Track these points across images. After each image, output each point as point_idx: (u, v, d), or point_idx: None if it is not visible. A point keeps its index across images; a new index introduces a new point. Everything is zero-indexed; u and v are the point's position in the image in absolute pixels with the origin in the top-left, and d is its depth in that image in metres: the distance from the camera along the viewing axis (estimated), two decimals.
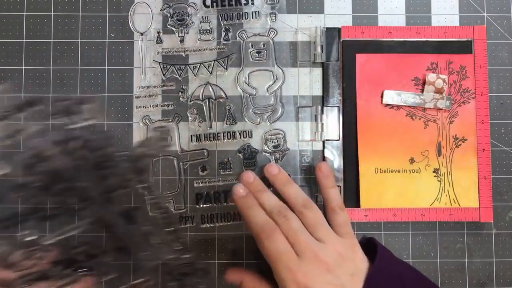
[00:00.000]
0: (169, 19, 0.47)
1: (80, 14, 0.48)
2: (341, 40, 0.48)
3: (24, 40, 0.48)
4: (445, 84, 0.47)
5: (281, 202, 0.42)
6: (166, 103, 0.47)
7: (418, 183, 0.47)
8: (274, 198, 0.42)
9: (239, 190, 0.42)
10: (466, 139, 0.47)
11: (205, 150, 0.47)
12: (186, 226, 0.46)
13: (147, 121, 0.46)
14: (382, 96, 0.47)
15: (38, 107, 0.37)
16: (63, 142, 0.34)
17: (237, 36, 0.47)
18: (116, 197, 0.36)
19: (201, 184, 0.45)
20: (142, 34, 0.47)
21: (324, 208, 0.44)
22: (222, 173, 0.46)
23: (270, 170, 0.44)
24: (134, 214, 0.38)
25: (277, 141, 0.47)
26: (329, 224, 0.42)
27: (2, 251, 0.34)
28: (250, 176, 0.44)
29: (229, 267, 0.44)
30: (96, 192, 0.35)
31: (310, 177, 0.47)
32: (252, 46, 0.47)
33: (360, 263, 0.40)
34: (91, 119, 0.36)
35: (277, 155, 0.47)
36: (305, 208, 0.41)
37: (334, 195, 0.43)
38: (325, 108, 0.47)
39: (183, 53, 0.47)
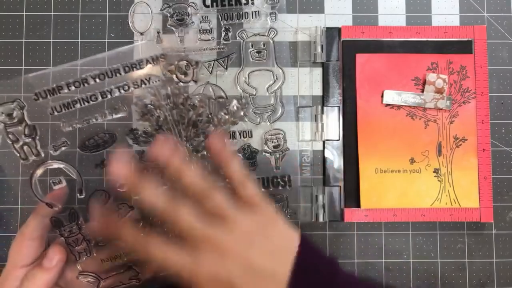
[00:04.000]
0: (169, 19, 0.47)
1: (80, 14, 0.48)
2: (341, 40, 0.48)
3: (24, 40, 0.48)
4: (445, 84, 0.47)
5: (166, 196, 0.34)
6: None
7: (419, 183, 0.47)
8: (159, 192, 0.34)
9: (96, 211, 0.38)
10: (467, 139, 0.47)
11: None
12: None
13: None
14: (382, 96, 0.47)
15: (163, 62, 0.41)
16: (171, 96, 0.40)
17: (237, 36, 0.47)
18: (199, 157, 0.42)
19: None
20: (142, 34, 0.47)
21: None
22: (222, 173, 0.46)
23: (158, 151, 0.34)
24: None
25: (277, 141, 0.47)
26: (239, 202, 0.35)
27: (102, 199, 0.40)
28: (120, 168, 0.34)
29: None
30: (184, 148, 0.41)
31: (311, 178, 0.47)
32: (252, 46, 0.47)
33: (282, 239, 0.33)
34: (194, 81, 0.42)
35: (277, 155, 0.47)
36: (204, 195, 0.34)
37: (236, 166, 0.36)
38: (325, 108, 0.47)
39: (183, 53, 0.47)
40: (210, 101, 0.42)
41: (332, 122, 0.47)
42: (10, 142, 0.39)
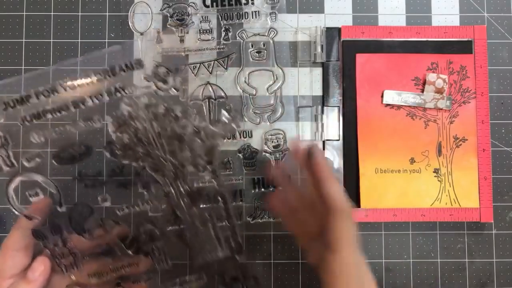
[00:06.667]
0: (169, 18, 0.47)
1: (80, 14, 0.48)
2: (341, 40, 0.48)
3: (24, 40, 0.48)
4: (445, 84, 0.47)
5: None
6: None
7: (419, 183, 0.47)
8: None
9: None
10: (467, 139, 0.47)
11: None
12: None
13: None
14: (382, 96, 0.47)
15: (138, 70, 0.39)
16: (150, 106, 0.37)
17: (237, 36, 0.47)
18: (185, 173, 0.38)
19: (200, 184, 0.45)
20: (142, 34, 0.47)
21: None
22: (222, 173, 0.46)
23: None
24: (197, 196, 0.39)
25: (277, 141, 0.47)
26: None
27: (83, 214, 0.39)
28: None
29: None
30: (168, 163, 0.38)
31: None
32: (252, 46, 0.47)
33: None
34: (176, 89, 0.39)
35: (277, 155, 0.47)
36: None
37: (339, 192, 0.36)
38: (325, 108, 0.47)
39: (183, 53, 0.47)
40: (194, 111, 0.39)
41: (332, 122, 0.47)
42: None
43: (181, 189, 0.39)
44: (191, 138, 0.38)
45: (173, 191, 0.39)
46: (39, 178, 0.39)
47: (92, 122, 0.39)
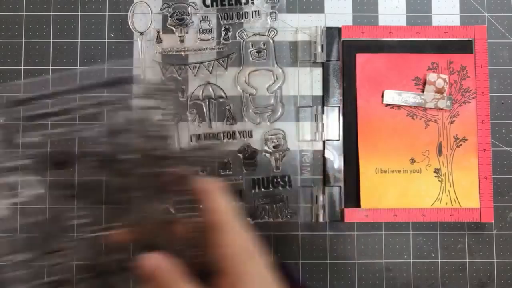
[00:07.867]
0: (169, 18, 0.47)
1: (79, 13, 0.48)
2: (342, 39, 0.48)
3: (23, 40, 0.48)
4: (445, 84, 0.47)
5: None
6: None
7: (419, 183, 0.47)
8: None
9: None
10: (467, 139, 0.47)
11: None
12: None
13: None
14: (382, 96, 0.47)
15: (126, 86, 0.36)
16: (138, 122, 0.34)
17: (237, 35, 0.47)
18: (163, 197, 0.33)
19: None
20: (141, 33, 0.47)
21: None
22: (222, 173, 0.46)
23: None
24: (172, 219, 0.33)
25: (277, 141, 0.47)
26: None
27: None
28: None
29: None
30: (147, 184, 0.33)
31: (311, 178, 0.47)
32: (252, 46, 0.47)
33: None
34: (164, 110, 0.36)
35: (277, 155, 0.47)
36: None
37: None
38: (325, 108, 0.47)
39: (182, 53, 0.47)
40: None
41: (332, 122, 0.47)
42: None
43: (158, 210, 0.33)
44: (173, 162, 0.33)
45: (150, 213, 0.33)
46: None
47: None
